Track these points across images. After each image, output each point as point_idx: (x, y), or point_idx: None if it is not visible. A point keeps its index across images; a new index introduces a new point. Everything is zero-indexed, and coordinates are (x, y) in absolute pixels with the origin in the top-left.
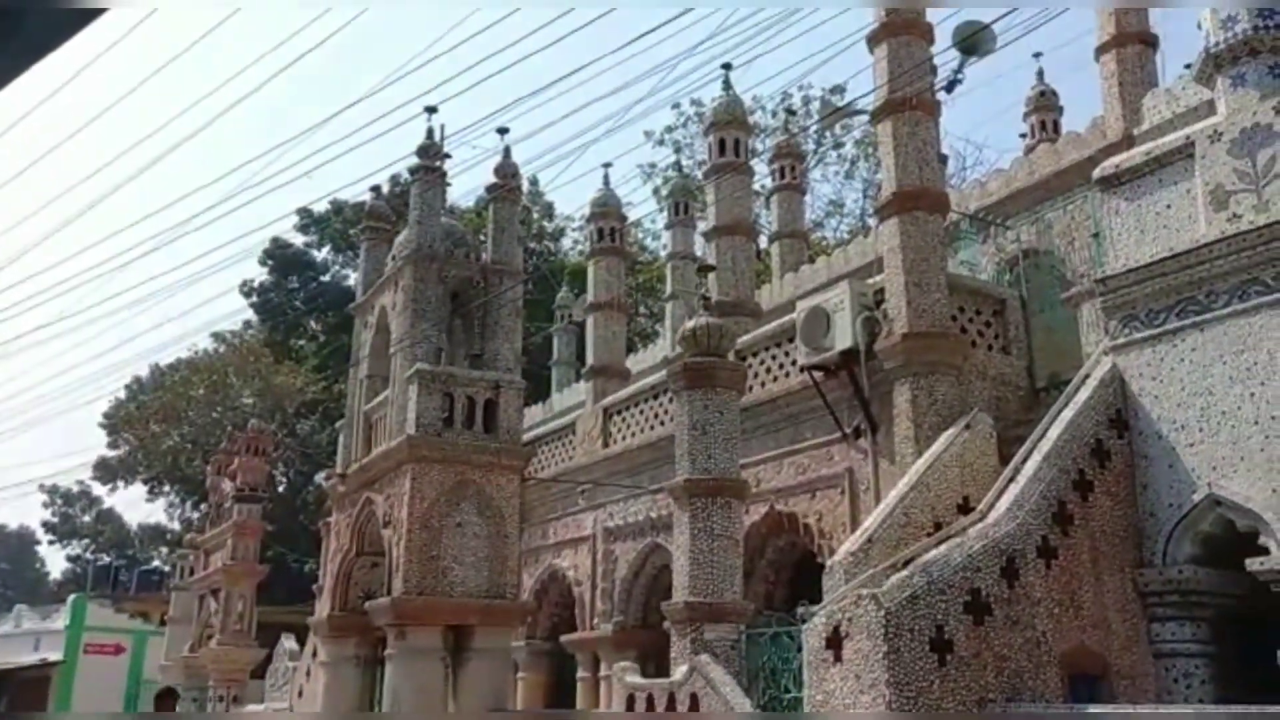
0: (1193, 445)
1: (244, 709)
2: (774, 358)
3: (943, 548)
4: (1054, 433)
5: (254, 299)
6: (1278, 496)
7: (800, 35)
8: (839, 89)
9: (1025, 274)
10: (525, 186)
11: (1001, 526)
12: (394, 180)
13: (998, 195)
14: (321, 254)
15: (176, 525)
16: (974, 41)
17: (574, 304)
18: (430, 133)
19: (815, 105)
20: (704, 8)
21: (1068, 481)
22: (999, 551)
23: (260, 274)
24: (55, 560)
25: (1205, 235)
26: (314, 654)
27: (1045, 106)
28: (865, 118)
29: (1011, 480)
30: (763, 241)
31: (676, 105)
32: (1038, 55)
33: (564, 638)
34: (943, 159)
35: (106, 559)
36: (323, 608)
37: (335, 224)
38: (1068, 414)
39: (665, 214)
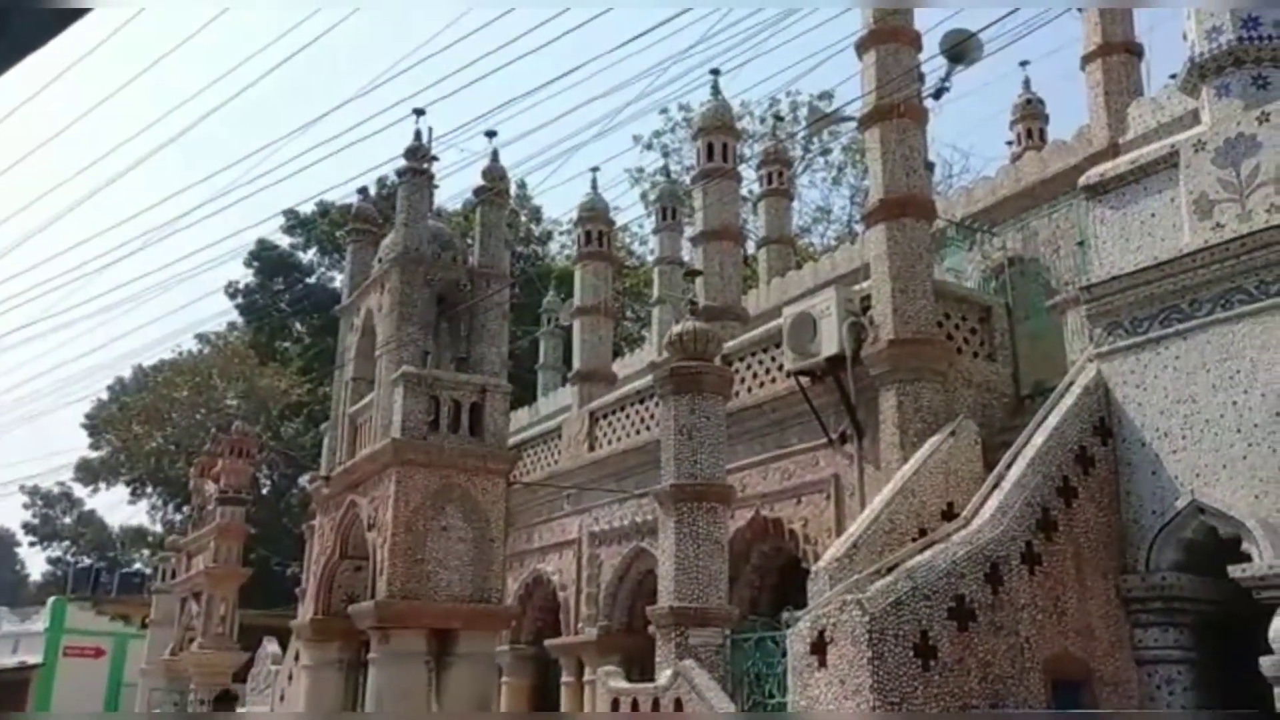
0: (1176, 452)
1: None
2: (760, 363)
3: (927, 554)
4: (1038, 439)
5: (239, 300)
6: (1260, 503)
7: (789, 41)
8: (827, 95)
9: (1011, 281)
10: (513, 190)
11: (986, 533)
12: (381, 182)
13: (984, 203)
14: (307, 256)
15: (159, 527)
16: (961, 49)
17: (561, 308)
18: (418, 135)
19: (803, 111)
20: (693, 13)
21: (1052, 488)
22: (983, 557)
23: (245, 275)
24: (35, 562)
25: (1189, 244)
26: (296, 657)
27: (1032, 115)
28: (853, 124)
29: (996, 486)
30: (750, 247)
31: (665, 110)
32: (1024, 64)
33: (548, 642)
34: (930, 166)
35: (87, 561)
36: (306, 611)
37: (321, 226)
38: (1052, 421)
39: (653, 219)
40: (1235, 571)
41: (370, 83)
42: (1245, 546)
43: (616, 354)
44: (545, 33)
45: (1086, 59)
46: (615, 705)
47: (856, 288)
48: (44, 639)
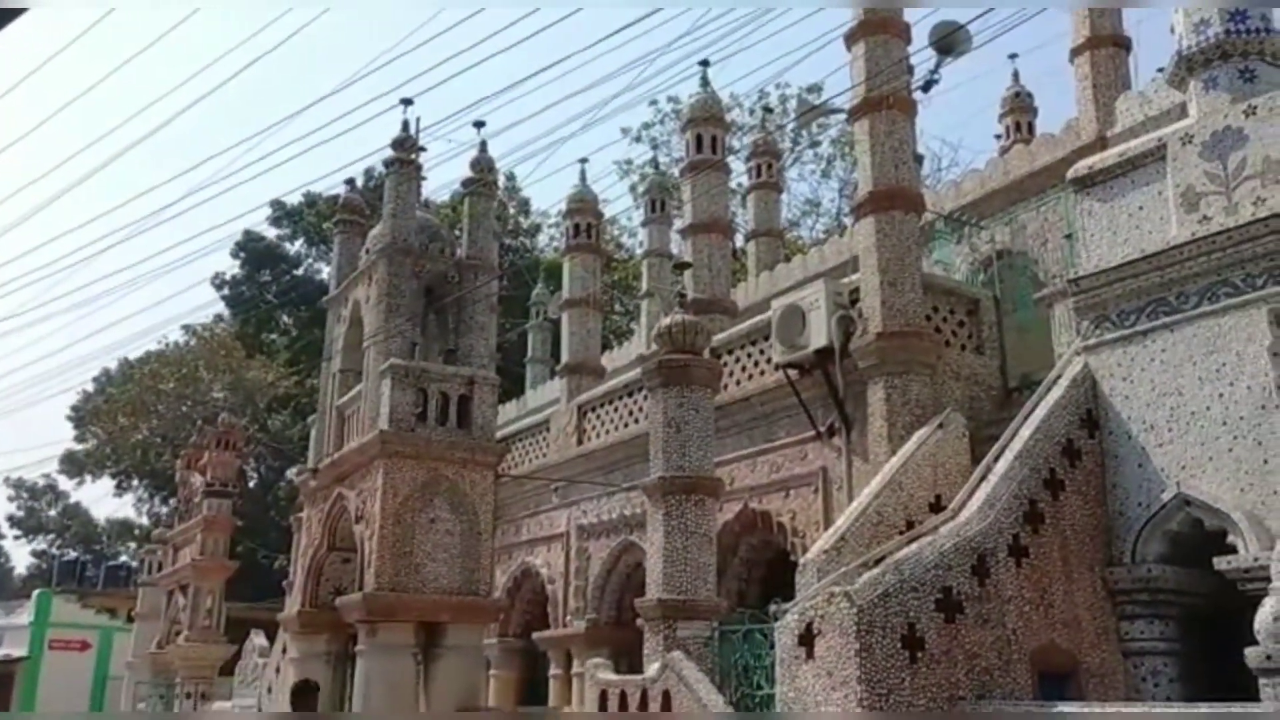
0: (1162, 445)
1: (211, 706)
2: (749, 356)
3: (915, 546)
4: (1025, 432)
5: (225, 292)
6: (1245, 496)
7: (778, 32)
8: (816, 88)
9: (999, 274)
10: (501, 181)
11: (973, 525)
12: (368, 173)
13: (972, 196)
14: (294, 247)
15: (145, 520)
16: (950, 42)
17: (549, 300)
18: (405, 125)
19: (792, 104)
20: (681, 4)
21: (1039, 480)
22: (970, 550)
23: (232, 267)
24: (20, 555)
25: (1176, 237)
26: (284, 650)
27: (1020, 108)
28: (842, 116)
29: (983, 479)
30: (739, 240)
31: (654, 102)
32: (1013, 57)
33: (536, 635)
34: (919, 159)
35: (73, 554)
36: (293, 603)
37: (308, 217)
38: (1039, 414)
39: (642, 211)
40: (1221, 563)
41: (357, 72)
42: (1231, 539)
43: (605, 347)
44: (532, 23)
45: (1075, 52)
46: (603, 697)
47: (845, 280)
48: (29, 632)
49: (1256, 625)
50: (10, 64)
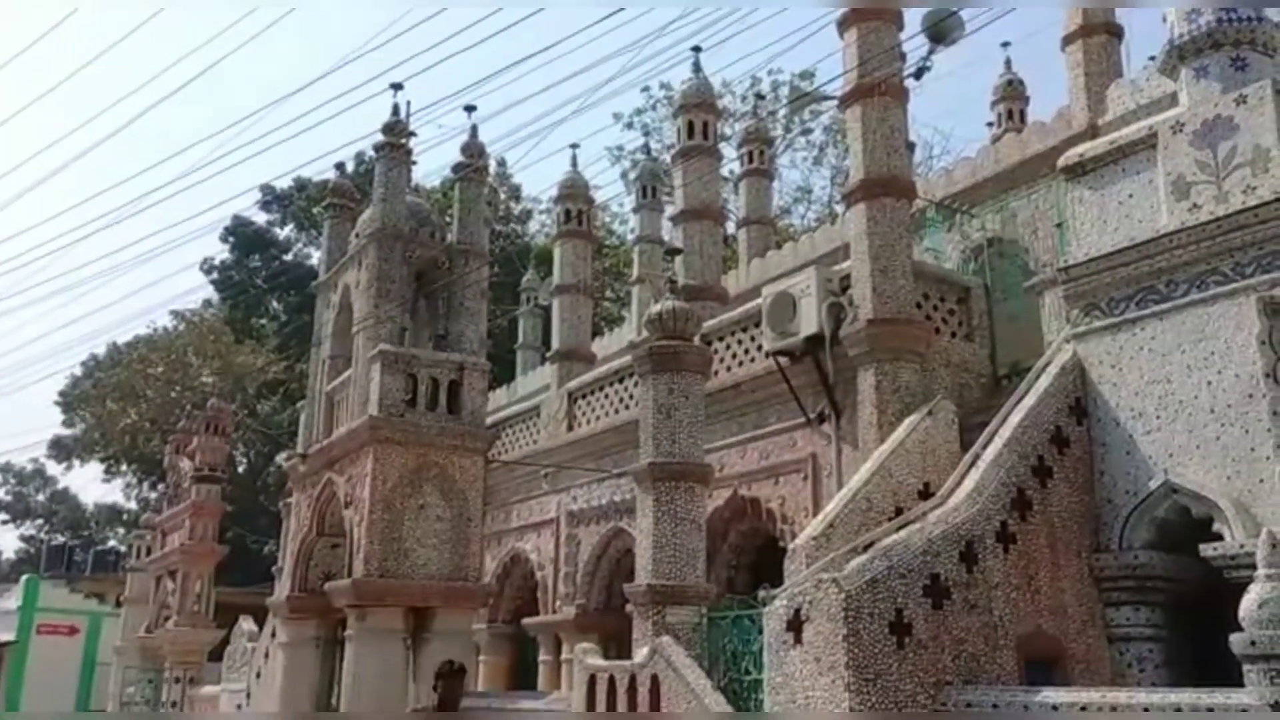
0: (1150, 433)
1: (200, 691)
2: (740, 343)
3: (903, 533)
4: (1014, 419)
5: (214, 277)
6: (1232, 484)
7: (770, 17)
8: (808, 74)
9: (989, 262)
10: (492, 167)
11: (961, 512)
12: (358, 158)
13: (964, 183)
14: (284, 232)
15: (134, 505)
16: (943, 29)
17: (540, 287)
18: (396, 110)
19: (784, 90)
20: None
21: (1027, 468)
22: (958, 536)
23: (221, 251)
24: (8, 540)
25: (1166, 225)
26: (273, 635)
27: (1012, 96)
28: (834, 103)
29: (972, 466)
30: (730, 227)
31: (646, 89)
32: (1006, 44)
33: (526, 621)
34: (910, 146)
35: (61, 539)
36: (282, 588)
37: (298, 202)
38: (1028, 401)
39: (633, 197)
40: (1207, 550)
41: (347, 55)
42: (1217, 526)
43: (596, 333)
44: (524, 6)
45: (1067, 40)
46: (592, 682)
47: (836, 268)
48: (17, 617)
49: (1242, 612)
50: None
